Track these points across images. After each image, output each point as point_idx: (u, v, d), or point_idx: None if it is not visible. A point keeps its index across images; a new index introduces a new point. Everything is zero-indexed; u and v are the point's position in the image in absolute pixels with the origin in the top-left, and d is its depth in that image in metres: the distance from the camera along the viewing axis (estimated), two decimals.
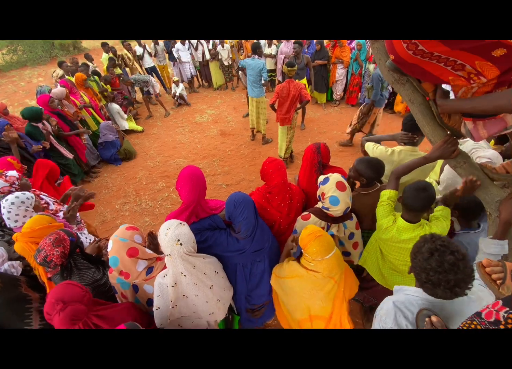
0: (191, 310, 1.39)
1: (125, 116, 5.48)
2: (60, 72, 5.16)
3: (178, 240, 1.25)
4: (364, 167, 1.71)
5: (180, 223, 1.31)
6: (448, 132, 1.21)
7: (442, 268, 0.88)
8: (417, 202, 1.38)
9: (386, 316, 1.03)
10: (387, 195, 1.51)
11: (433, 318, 0.86)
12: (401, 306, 1.01)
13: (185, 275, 1.30)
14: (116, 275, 1.55)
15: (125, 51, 6.51)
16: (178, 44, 6.84)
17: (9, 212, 1.76)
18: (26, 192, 1.87)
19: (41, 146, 3.33)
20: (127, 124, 5.58)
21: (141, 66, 7.00)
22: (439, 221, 1.46)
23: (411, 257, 1.01)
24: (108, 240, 1.95)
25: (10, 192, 2.04)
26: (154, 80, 6.18)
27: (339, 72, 5.80)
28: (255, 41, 6.20)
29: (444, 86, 1.18)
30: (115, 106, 5.30)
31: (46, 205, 2.18)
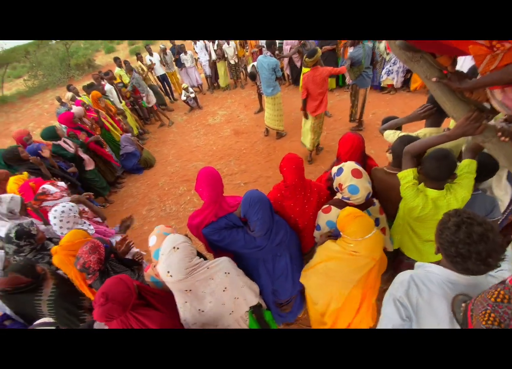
0: (211, 318, 1.42)
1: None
2: (69, 94, 5.42)
3: (168, 272, 1.26)
4: (398, 146, 1.60)
5: (174, 248, 1.29)
6: (472, 107, 1.13)
7: (471, 239, 0.85)
8: (440, 172, 1.37)
9: (399, 286, 1.03)
10: (411, 176, 1.43)
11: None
12: (418, 281, 1.00)
13: (190, 290, 1.32)
14: (151, 274, 1.63)
15: (139, 63, 6.70)
16: (198, 43, 7.07)
17: (61, 220, 1.94)
18: (68, 202, 2.06)
19: (75, 169, 3.63)
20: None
21: (152, 75, 7.19)
22: (463, 180, 1.40)
23: (437, 235, 0.97)
24: (126, 240, 2.06)
25: (62, 197, 2.32)
26: (151, 93, 6.31)
27: None
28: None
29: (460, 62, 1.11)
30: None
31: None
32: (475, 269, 0.86)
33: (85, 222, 2.12)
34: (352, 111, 4.62)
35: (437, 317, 0.95)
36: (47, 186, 2.33)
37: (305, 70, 4.77)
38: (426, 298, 0.96)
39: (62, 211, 1.94)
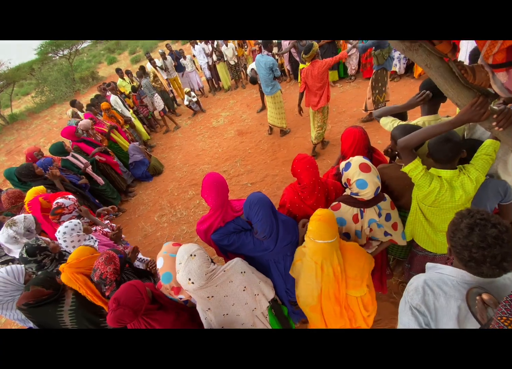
0: (235, 319, 1.44)
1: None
2: (69, 111, 5.53)
3: (189, 279, 1.26)
4: (401, 135, 1.57)
5: (191, 255, 1.30)
6: (476, 92, 1.10)
7: (485, 242, 0.81)
8: (445, 154, 1.36)
9: (414, 293, 0.99)
10: (420, 166, 1.41)
11: (485, 296, 0.80)
12: (433, 285, 0.96)
13: (212, 296, 1.33)
14: (165, 292, 1.65)
15: (152, 69, 6.73)
16: (197, 46, 7.19)
17: (65, 241, 1.98)
18: (72, 220, 2.07)
19: (86, 180, 3.68)
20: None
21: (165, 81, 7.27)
22: (477, 161, 1.38)
23: (448, 236, 0.94)
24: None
25: (74, 209, 2.36)
26: (159, 98, 6.38)
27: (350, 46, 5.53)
28: None
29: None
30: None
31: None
32: (489, 273, 0.83)
33: (92, 237, 2.13)
34: (379, 98, 4.29)
35: (456, 320, 0.92)
36: (61, 200, 2.34)
37: (301, 65, 4.72)
38: (444, 302, 0.93)
39: (64, 232, 1.96)
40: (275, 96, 4.45)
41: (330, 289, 1.41)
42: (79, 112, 5.55)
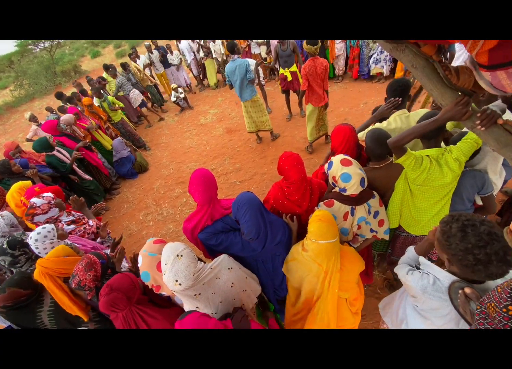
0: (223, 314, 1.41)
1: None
2: (27, 115, 5.28)
3: (177, 281, 1.23)
4: (369, 141, 1.68)
5: (177, 256, 1.26)
6: (459, 93, 1.13)
7: (482, 241, 0.83)
8: (433, 131, 1.43)
9: (414, 300, 1.04)
10: (411, 155, 1.46)
11: (467, 290, 0.83)
12: (429, 290, 0.99)
13: (199, 294, 1.31)
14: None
15: (134, 64, 6.53)
16: (182, 43, 7.09)
17: (37, 248, 1.85)
18: (46, 225, 1.93)
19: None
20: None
21: (152, 76, 7.05)
22: (462, 143, 1.45)
23: (444, 247, 0.94)
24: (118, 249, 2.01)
25: (50, 209, 2.25)
26: (137, 93, 6.22)
27: (338, 47, 5.60)
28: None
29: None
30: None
31: (85, 221, 2.47)
32: (499, 272, 0.84)
33: (67, 243, 2.01)
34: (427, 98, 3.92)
35: (449, 323, 0.95)
36: (33, 200, 2.24)
37: (281, 71, 4.69)
38: (437, 305, 0.96)
39: (35, 240, 1.85)
40: (254, 100, 4.21)
41: (333, 292, 1.41)
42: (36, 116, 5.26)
